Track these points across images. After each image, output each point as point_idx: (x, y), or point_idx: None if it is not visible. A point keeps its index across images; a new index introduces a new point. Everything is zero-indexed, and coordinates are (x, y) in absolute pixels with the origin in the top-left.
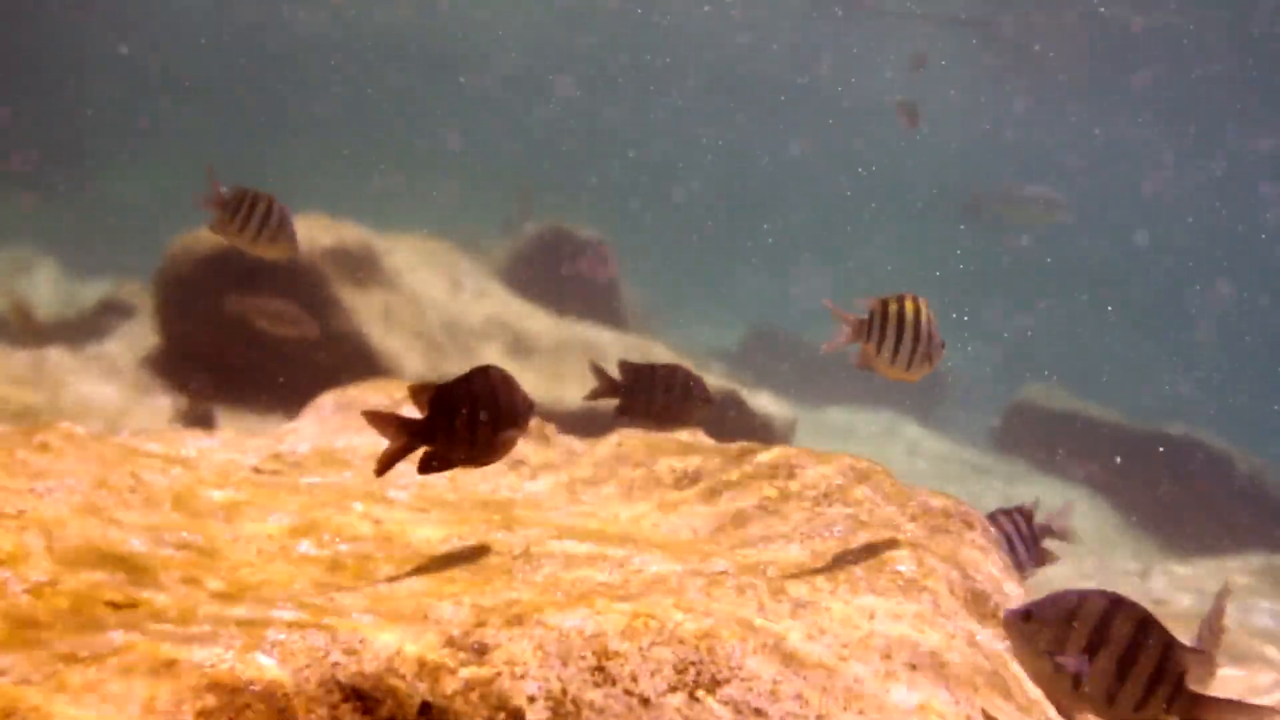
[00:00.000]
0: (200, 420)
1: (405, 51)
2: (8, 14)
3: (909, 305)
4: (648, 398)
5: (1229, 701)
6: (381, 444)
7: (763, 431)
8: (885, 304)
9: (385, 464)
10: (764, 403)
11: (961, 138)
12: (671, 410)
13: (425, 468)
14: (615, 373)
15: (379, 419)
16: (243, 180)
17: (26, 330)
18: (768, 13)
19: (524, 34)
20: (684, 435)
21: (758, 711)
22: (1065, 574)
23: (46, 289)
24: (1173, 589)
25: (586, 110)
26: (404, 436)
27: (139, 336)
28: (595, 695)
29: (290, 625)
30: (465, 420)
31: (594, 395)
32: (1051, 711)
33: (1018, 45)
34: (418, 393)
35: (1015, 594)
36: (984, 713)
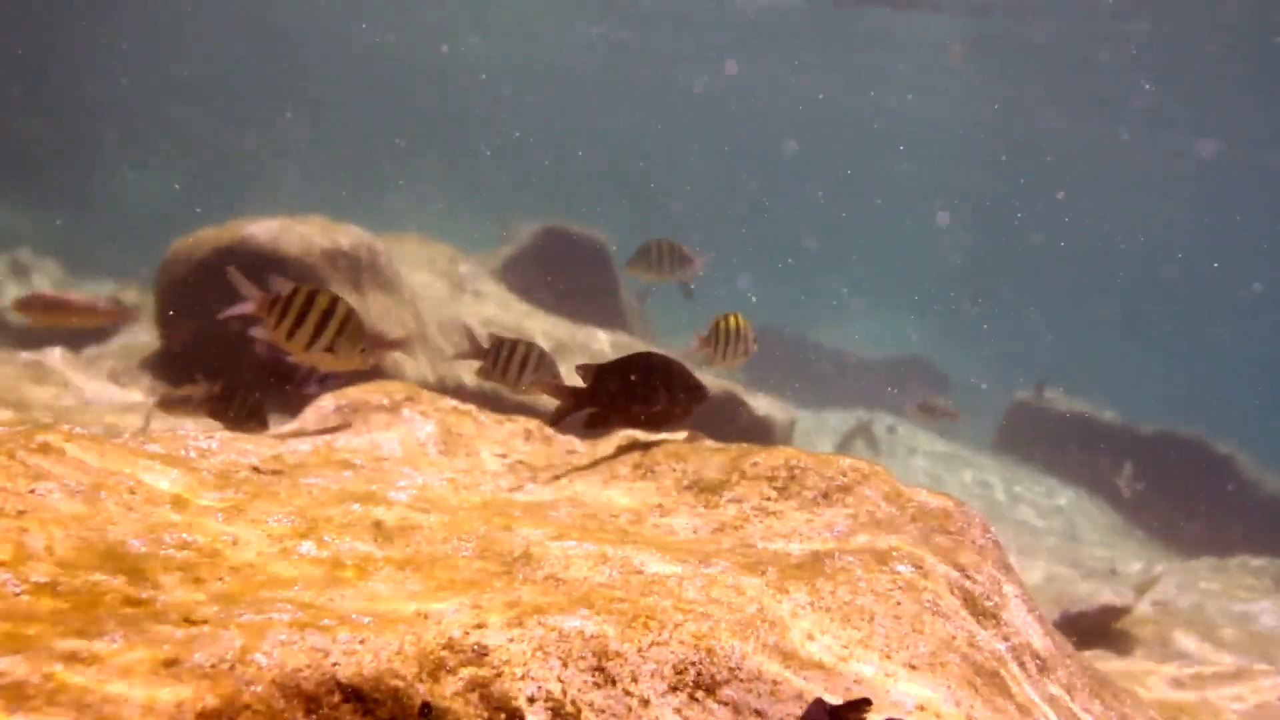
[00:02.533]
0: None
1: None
2: (13, 19)
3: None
4: (624, 401)
5: None
6: (383, 446)
7: (762, 433)
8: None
9: (556, 419)
10: (763, 404)
11: (959, 136)
12: (656, 411)
13: (590, 423)
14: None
15: (552, 387)
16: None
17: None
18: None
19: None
20: (683, 437)
21: (757, 712)
22: (1067, 574)
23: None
24: (1174, 588)
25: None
26: (571, 399)
27: (139, 338)
28: (595, 696)
29: (290, 626)
30: (617, 391)
31: (562, 412)
32: (1051, 712)
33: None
34: (584, 371)
35: (1014, 594)
36: (983, 712)
